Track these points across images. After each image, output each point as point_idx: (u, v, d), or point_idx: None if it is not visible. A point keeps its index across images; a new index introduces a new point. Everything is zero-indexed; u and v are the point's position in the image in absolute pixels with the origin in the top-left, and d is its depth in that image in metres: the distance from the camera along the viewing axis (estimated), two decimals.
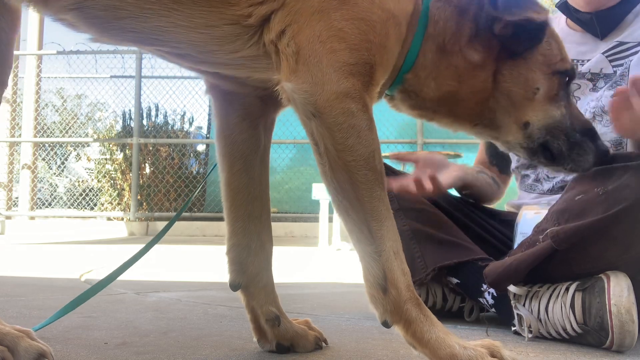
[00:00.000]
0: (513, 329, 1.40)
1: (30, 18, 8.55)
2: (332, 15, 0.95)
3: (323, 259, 4.09)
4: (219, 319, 1.59)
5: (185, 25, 0.97)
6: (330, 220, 4.84)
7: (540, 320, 1.32)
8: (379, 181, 0.97)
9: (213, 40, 0.99)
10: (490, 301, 1.48)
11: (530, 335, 1.33)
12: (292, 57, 0.95)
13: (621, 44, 1.63)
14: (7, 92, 8.18)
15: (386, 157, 6.26)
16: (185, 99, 8.62)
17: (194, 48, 1.02)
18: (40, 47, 8.54)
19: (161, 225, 7.50)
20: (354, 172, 0.96)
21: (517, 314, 1.36)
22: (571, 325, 1.26)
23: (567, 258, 1.27)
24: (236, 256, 1.19)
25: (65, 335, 1.33)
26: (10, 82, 8.40)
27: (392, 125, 7.68)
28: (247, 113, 1.19)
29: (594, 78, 1.64)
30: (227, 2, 0.97)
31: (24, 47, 8.45)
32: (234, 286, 1.19)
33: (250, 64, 1.03)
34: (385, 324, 0.99)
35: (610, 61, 1.63)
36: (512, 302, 1.37)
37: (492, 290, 1.46)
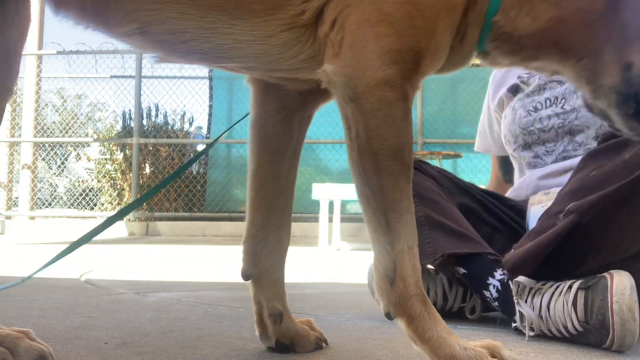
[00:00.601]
0: (514, 325, 1.40)
1: None
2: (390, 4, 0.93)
3: (323, 259, 4.10)
4: (219, 319, 1.59)
5: (246, 39, 0.98)
6: (330, 220, 4.84)
7: (541, 317, 1.32)
8: (404, 174, 0.96)
9: (275, 48, 1.00)
10: (495, 295, 1.47)
11: (531, 334, 1.33)
12: (337, 42, 0.94)
13: None
14: None
15: None
16: (185, 99, 8.62)
17: (259, 60, 1.03)
18: (40, 47, 8.54)
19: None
20: (381, 161, 0.94)
21: (519, 311, 1.35)
22: (572, 324, 1.25)
23: (588, 233, 1.25)
24: (252, 247, 1.19)
25: (65, 335, 1.33)
26: None
27: None
28: (283, 106, 1.18)
29: None
30: (280, 4, 0.96)
31: (23, 48, 8.44)
32: (245, 276, 1.20)
33: (312, 65, 1.02)
34: (388, 316, 0.98)
35: None
36: (514, 297, 1.36)
37: (497, 283, 1.46)
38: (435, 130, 7.45)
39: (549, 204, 1.49)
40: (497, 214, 1.75)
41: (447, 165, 7.21)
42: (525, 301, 1.35)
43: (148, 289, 2.26)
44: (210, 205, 7.98)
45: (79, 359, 1.11)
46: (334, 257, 4.29)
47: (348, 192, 4.90)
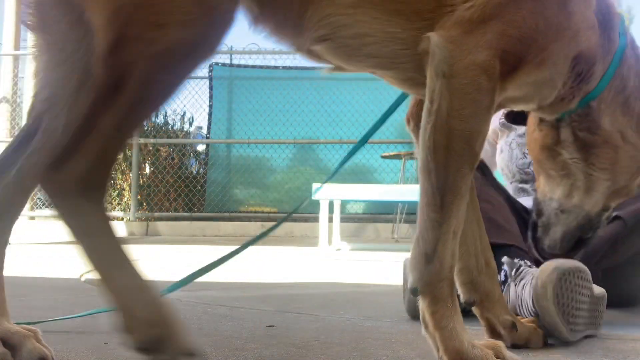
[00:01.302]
0: None
1: None
2: (523, 3, 1.00)
3: (323, 259, 4.10)
4: (219, 319, 1.59)
5: (413, 45, 1.02)
6: (330, 220, 4.84)
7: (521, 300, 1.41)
8: (470, 161, 0.99)
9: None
10: (502, 278, 1.54)
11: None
12: (465, 20, 0.97)
13: None
14: (7, 92, 8.19)
15: (386, 157, 6.21)
16: (185, 99, 8.60)
17: (417, 68, 1.05)
18: None
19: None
20: (454, 141, 0.97)
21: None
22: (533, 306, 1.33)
23: (634, 235, 1.50)
24: (467, 278, 1.24)
25: (65, 336, 1.33)
26: (10, 82, 8.29)
27: (392, 125, 7.67)
28: None
29: None
30: (451, 11, 0.99)
31: (24, 47, 8.45)
32: (469, 303, 1.24)
33: None
34: (414, 291, 1.00)
35: None
36: (509, 280, 1.46)
37: (506, 269, 1.51)
38: None
39: None
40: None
41: None
42: (515, 285, 1.45)
43: None
44: (210, 205, 7.97)
45: (79, 359, 1.11)
46: (334, 257, 4.29)
47: (348, 192, 4.90)
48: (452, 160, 0.97)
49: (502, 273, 1.54)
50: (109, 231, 0.88)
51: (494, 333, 1.24)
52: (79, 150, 0.86)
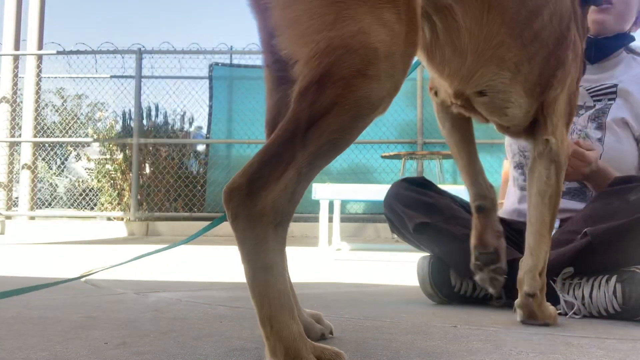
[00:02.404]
0: (557, 312, 1.65)
1: (30, 18, 8.56)
2: (572, 97, 1.54)
3: (323, 259, 4.10)
4: (219, 319, 1.59)
5: (526, 110, 1.47)
6: (330, 220, 4.84)
7: (584, 305, 1.65)
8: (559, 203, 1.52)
9: (526, 120, 1.50)
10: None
11: (577, 316, 1.65)
12: (557, 121, 1.49)
13: (601, 84, 2.00)
14: (7, 92, 8.20)
15: (386, 157, 6.21)
16: (185, 99, 8.62)
17: (515, 127, 1.53)
18: (40, 47, 8.54)
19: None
20: (558, 199, 1.50)
21: (565, 300, 1.67)
22: (613, 307, 1.59)
23: (597, 251, 1.63)
24: (479, 190, 1.60)
25: (65, 336, 1.33)
26: (10, 82, 8.31)
27: (392, 125, 7.68)
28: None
29: (578, 107, 1.97)
30: (542, 92, 1.44)
31: (24, 47, 8.45)
32: (479, 208, 1.60)
33: (526, 132, 1.55)
34: (533, 295, 1.49)
35: (592, 96, 2.00)
36: (559, 292, 1.68)
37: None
38: (435, 131, 7.44)
39: None
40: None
41: (447, 165, 7.21)
42: (568, 293, 1.68)
43: (148, 289, 2.26)
44: (210, 205, 7.98)
45: (79, 359, 1.11)
46: (334, 257, 4.29)
47: (348, 192, 4.90)
48: (554, 207, 1.50)
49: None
50: (285, 272, 0.93)
51: (481, 239, 1.59)
52: (277, 181, 0.87)
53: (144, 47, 8.12)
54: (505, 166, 2.39)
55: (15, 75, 8.32)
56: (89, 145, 9.62)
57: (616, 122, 1.93)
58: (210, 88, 8.53)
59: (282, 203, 0.88)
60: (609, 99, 1.98)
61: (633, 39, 2.07)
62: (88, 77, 8.86)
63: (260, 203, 0.87)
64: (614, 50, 2.04)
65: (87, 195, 8.77)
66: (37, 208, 8.31)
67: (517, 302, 1.56)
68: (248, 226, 0.88)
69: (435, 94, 1.59)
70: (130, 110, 8.37)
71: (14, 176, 8.36)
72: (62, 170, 11.16)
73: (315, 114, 0.88)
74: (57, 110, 11.26)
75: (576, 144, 1.79)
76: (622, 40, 2.04)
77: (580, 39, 1.51)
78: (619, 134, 1.93)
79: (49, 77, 9.34)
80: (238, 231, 0.88)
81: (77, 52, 8.34)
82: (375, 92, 0.89)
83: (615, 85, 1.99)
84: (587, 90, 2.00)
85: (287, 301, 0.90)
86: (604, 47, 2.01)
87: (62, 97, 11.81)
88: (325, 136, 0.88)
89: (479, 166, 1.63)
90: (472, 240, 1.61)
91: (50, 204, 8.81)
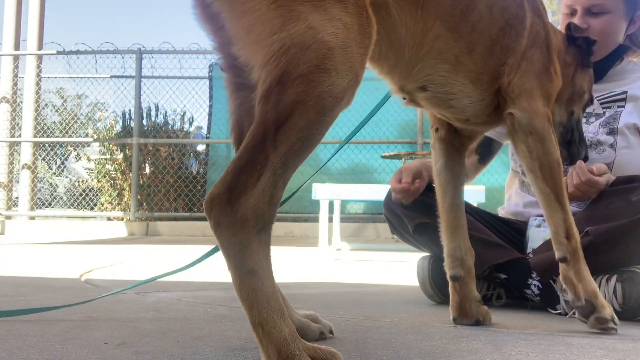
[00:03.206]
0: (557, 311, 1.72)
1: (30, 18, 8.56)
2: (542, 76, 1.48)
3: (323, 259, 4.10)
4: (219, 319, 1.59)
5: (477, 100, 1.42)
6: (330, 220, 4.84)
7: None
8: (562, 174, 1.45)
9: (483, 109, 1.45)
10: (537, 292, 1.77)
11: (576, 317, 1.59)
12: (517, 96, 1.43)
13: (610, 92, 2.04)
14: (7, 92, 8.20)
15: (386, 157, 6.20)
16: (185, 99, 8.62)
17: (475, 117, 1.47)
18: (40, 47, 8.54)
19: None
20: (553, 167, 1.43)
21: (565, 300, 1.68)
22: (613, 307, 1.52)
23: (599, 250, 1.62)
24: (458, 255, 1.55)
25: (65, 335, 1.33)
26: (10, 82, 8.31)
27: (392, 125, 7.68)
28: (460, 155, 1.64)
29: (587, 115, 2.02)
30: (495, 79, 1.41)
31: (24, 47, 8.45)
32: (455, 277, 1.55)
33: (494, 118, 1.48)
34: (564, 259, 1.44)
35: (601, 104, 2.03)
36: (559, 292, 1.69)
37: (537, 282, 1.76)
38: None
39: (545, 224, 1.83)
40: (502, 232, 2.04)
41: None
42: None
43: (148, 289, 2.26)
44: None
45: (79, 359, 1.11)
46: (334, 257, 4.29)
47: (348, 192, 4.90)
48: (556, 178, 1.43)
49: (535, 287, 1.78)
50: (272, 275, 0.93)
51: (462, 308, 1.54)
52: (255, 186, 0.89)
53: (144, 47, 8.13)
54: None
55: (15, 75, 8.31)
56: (89, 145, 9.62)
57: (628, 127, 1.96)
58: (210, 88, 8.52)
59: (262, 207, 0.89)
60: (618, 106, 2.01)
61: (626, 48, 2.08)
62: (88, 77, 8.86)
63: (241, 209, 0.89)
64: (609, 68, 2.06)
65: (87, 195, 8.77)
66: (37, 208, 8.31)
67: (559, 279, 1.56)
68: (231, 233, 0.89)
69: (436, 130, 1.60)
70: (130, 110, 8.37)
71: (14, 176, 8.36)
72: (62, 170, 11.15)
73: (281, 114, 0.89)
74: (57, 110, 11.26)
75: (590, 171, 1.78)
76: (614, 56, 2.06)
77: (543, 25, 1.49)
78: (631, 139, 1.96)
79: (49, 77, 9.34)
80: (222, 239, 0.90)
81: (77, 52, 8.34)
82: (336, 85, 0.91)
83: (625, 92, 2.02)
84: (596, 98, 2.01)
85: (275, 303, 0.90)
86: (599, 70, 2.00)
87: (62, 97, 11.81)
88: (295, 135, 0.90)
89: (462, 220, 1.57)
90: (452, 312, 1.55)
91: (50, 204, 8.81)
